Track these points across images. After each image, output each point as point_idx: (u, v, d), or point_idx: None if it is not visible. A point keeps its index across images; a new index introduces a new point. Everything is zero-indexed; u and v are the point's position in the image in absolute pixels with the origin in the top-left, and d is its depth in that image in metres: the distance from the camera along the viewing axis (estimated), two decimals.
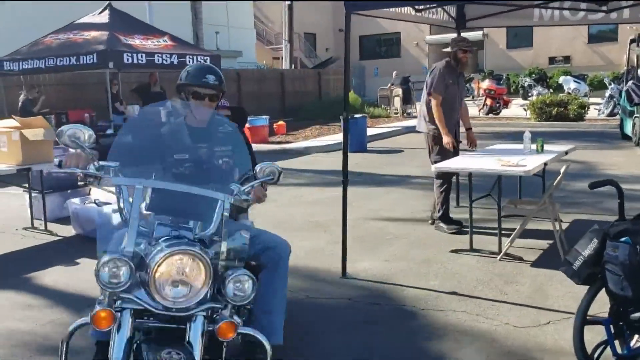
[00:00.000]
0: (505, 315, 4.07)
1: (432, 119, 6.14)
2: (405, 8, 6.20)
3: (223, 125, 3.17)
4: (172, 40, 12.16)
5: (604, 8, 6.51)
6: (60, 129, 2.52)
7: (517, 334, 3.80)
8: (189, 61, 11.89)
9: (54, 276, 5.19)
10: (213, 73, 3.11)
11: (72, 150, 2.64)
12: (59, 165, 2.66)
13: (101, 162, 2.53)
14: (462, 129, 6.62)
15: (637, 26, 15.35)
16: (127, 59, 10.69)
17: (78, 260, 5.61)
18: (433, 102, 6.03)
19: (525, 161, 5.39)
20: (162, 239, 2.40)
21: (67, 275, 5.20)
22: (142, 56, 10.92)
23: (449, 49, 6.16)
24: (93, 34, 11.22)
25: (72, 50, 10.83)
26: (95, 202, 6.36)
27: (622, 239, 2.88)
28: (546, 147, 6.05)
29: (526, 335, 3.77)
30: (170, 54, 11.51)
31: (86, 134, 2.53)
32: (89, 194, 7.04)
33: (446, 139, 6.00)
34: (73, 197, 6.82)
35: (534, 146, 6.01)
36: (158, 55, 11.27)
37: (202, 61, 11.71)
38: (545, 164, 5.61)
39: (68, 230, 6.57)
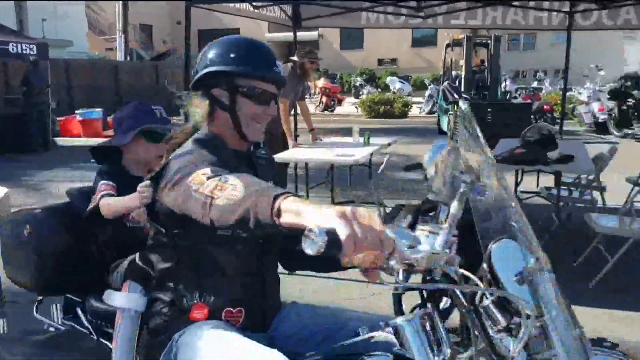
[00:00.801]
0: (339, 291, 4.52)
1: None
2: (245, 5, 6.44)
3: (257, 149, 2.21)
4: None
5: (422, 14, 7.30)
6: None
7: (348, 304, 4.25)
8: (13, 49, 11.16)
9: None
10: (275, 57, 2.05)
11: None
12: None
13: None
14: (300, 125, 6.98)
15: (453, 32, 16.93)
16: None
17: None
18: (280, 107, 6.14)
19: (354, 151, 5.90)
20: None
21: None
22: None
23: (296, 58, 6.35)
24: None
25: None
26: None
27: (431, 214, 3.37)
28: (372, 140, 6.61)
29: (357, 306, 4.23)
30: None
31: None
32: None
33: (292, 143, 6.31)
34: None
35: (361, 139, 6.58)
36: None
37: (30, 51, 11.02)
38: (371, 154, 6.18)
39: None
